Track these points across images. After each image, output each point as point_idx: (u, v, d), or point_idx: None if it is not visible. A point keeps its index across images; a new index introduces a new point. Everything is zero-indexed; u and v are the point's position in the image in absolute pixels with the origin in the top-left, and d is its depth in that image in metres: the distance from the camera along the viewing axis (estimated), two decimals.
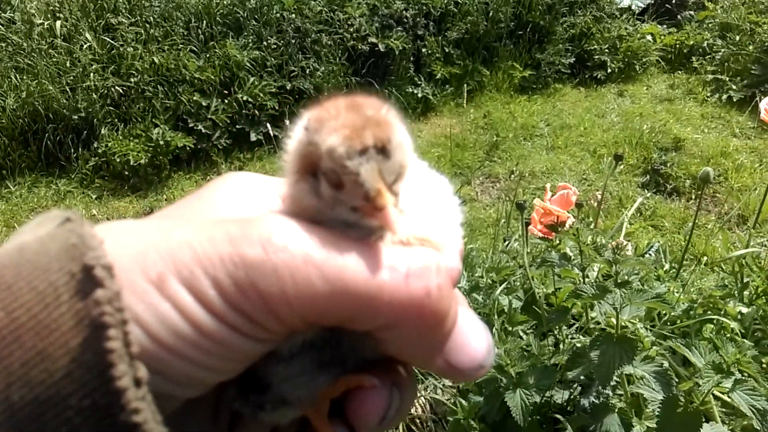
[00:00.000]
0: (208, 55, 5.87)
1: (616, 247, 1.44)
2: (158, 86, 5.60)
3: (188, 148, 5.43)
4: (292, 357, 0.44)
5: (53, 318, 0.33)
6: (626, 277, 1.59)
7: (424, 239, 0.42)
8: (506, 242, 2.67)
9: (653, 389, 1.46)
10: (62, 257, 0.35)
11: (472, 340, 0.44)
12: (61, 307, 0.34)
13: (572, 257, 1.70)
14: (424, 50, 6.47)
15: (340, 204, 0.40)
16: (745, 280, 2.02)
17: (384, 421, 0.45)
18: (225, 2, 6.31)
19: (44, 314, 0.33)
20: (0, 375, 0.32)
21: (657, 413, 1.44)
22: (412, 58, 6.46)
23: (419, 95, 6.28)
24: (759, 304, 1.95)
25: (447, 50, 6.59)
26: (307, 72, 5.97)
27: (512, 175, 5.16)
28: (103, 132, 5.39)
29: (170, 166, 5.42)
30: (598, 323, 1.82)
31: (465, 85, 5.99)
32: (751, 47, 6.38)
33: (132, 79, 5.59)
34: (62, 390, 0.33)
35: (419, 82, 6.39)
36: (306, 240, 0.38)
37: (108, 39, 5.81)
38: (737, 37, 6.64)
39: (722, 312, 1.89)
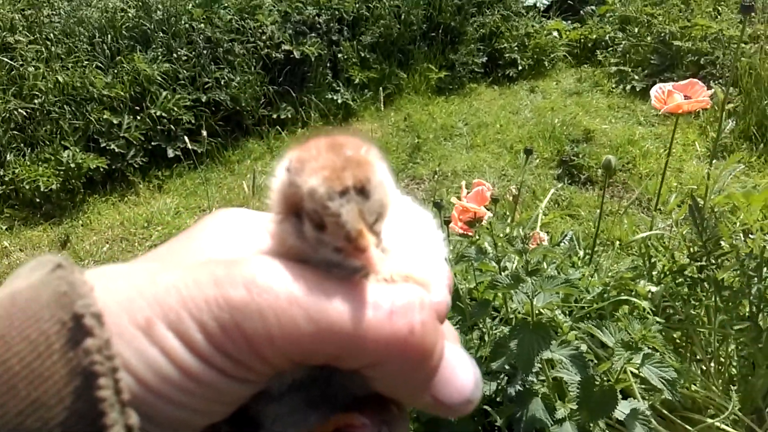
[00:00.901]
0: (115, 71, 5.66)
1: (525, 237, 1.49)
2: (65, 106, 5.34)
3: (102, 170, 5.19)
4: (282, 396, 0.44)
5: (46, 367, 0.34)
6: (540, 265, 1.65)
7: (407, 276, 0.42)
8: None
9: (571, 372, 1.51)
10: (53, 305, 0.35)
11: (459, 374, 0.44)
12: (53, 356, 0.34)
13: (488, 251, 1.74)
14: (340, 56, 6.48)
15: (324, 244, 0.40)
16: (652, 261, 2.13)
17: None
18: (130, 14, 6.11)
19: (37, 363, 0.34)
20: None
21: (577, 395, 1.50)
22: (329, 64, 6.44)
23: (339, 101, 6.27)
24: (666, 282, 2.06)
25: (363, 55, 6.62)
26: (222, 83, 5.85)
27: (435, 176, 5.25)
28: (8, 158, 5.08)
29: (84, 190, 5.17)
30: (519, 313, 1.88)
31: (382, 89, 6.03)
32: (649, 38, 6.73)
33: (36, 101, 5.31)
34: None
35: (338, 88, 6.39)
36: (289, 280, 0.39)
37: (6, 59, 5.51)
38: (636, 29, 6.99)
39: (633, 293, 1.98)
